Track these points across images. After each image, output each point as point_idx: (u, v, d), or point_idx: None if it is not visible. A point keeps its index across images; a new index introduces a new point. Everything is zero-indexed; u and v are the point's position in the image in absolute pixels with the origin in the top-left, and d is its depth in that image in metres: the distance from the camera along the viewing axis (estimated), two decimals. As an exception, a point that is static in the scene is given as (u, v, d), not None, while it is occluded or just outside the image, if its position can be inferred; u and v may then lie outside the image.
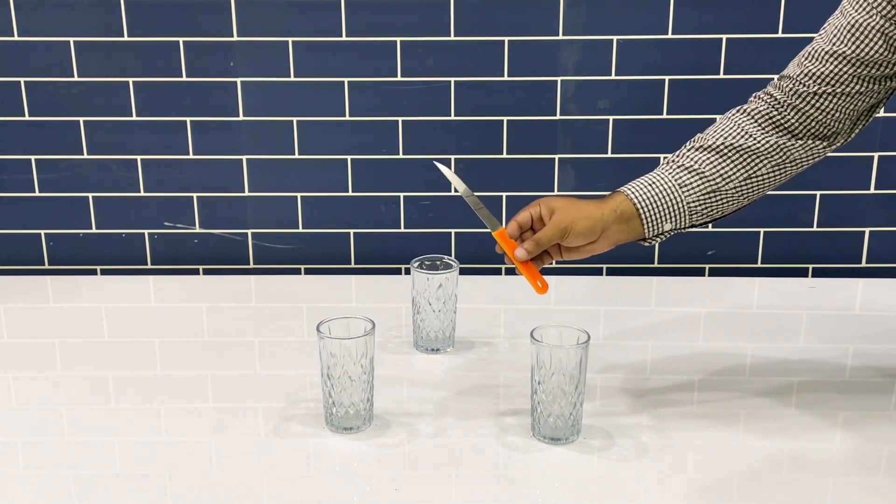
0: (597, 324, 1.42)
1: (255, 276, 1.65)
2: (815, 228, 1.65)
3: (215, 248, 1.67)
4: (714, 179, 1.12)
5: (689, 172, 1.13)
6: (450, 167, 1.62)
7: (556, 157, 1.61)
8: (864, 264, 1.67)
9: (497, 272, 1.68)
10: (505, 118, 1.59)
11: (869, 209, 1.63)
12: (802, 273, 1.67)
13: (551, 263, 1.17)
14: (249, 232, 1.67)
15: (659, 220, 1.13)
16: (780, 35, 1.53)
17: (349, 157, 1.62)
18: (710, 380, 1.25)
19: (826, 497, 1.00)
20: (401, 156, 1.62)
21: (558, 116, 1.59)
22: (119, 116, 1.59)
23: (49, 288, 1.60)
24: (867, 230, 1.65)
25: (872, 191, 1.62)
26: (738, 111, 1.16)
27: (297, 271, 1.69)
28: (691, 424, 1.13)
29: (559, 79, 1.57)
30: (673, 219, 1.13)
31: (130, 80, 1.57)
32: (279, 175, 1.63)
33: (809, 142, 1.12)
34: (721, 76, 1.56)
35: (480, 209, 1.18)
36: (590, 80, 1.57)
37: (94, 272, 1.68)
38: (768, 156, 1.12)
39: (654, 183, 1.13)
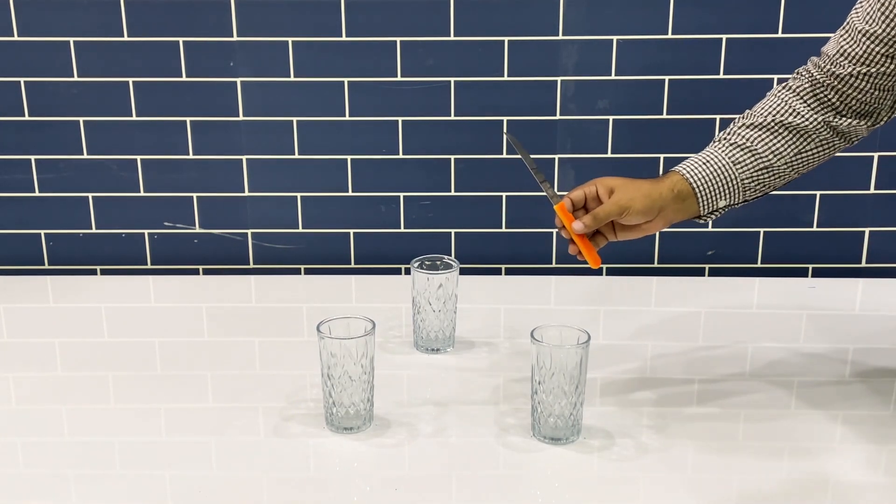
0: (597, 324, 1.42)
1: (255, 276, 1.65)
2: (815, 228, 1.65)
3: (215, 248, 1.67)
4: (766, 156, 1.13)
5: (742, 150, 1.14)
6: (450, 167, 1.62)
7: (556, 157, 1.61)
8: (864, 264, 1.67)
9: (497, 272, 1.68)
10: (505, 118, 1.59)
11: (869, 209, 1.63)
12: (802, 273, 1.67)
13: (604, 244, 1.16)
14: (249, 232, 1.67)
15: (714, 198, 1.14)
16: (780, 35, 1.53)
17: (349, 157, 1.62)
18: (710, 380, 1.25)
19: (826, 497, 1.00)
20: (401, 156, 1.62)
21: (558, 116, 1.59)
22: (119, 116, 1.59)
23: (49, 288, 1.60)
24: (867, 230, 1.65)
25: (872, 191, 1.62)
26: (783, 87, 1.16)
27: (297, 271, 1.69)
28: (691, 424, 1.13)
29: (559, 79, 1.57)
30: (728, 195, 1.14)
31: (130, 80, 1.57)
32: (279, 175, 1.63)
33: (853, 120, 1.13)
34: (721, 76, 1.56)
35: (543, 181, 1.17)
36: (590, 80, 1.57)
37: (94, 272, 1.68)
38: (817, 132, 1.13)
39: (707, 161, 1.14)
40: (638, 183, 1.14)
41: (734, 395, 1.20)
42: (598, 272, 1.68)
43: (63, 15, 1.53)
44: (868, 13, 1.07)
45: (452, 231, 1.66)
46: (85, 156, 1.61)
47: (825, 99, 1.13)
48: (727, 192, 1.14)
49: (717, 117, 1.57)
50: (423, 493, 1.00)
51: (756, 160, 1.14)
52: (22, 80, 1.57)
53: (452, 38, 1.55)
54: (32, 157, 1.62)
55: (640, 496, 1.00)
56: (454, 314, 1.31)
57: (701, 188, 1.13)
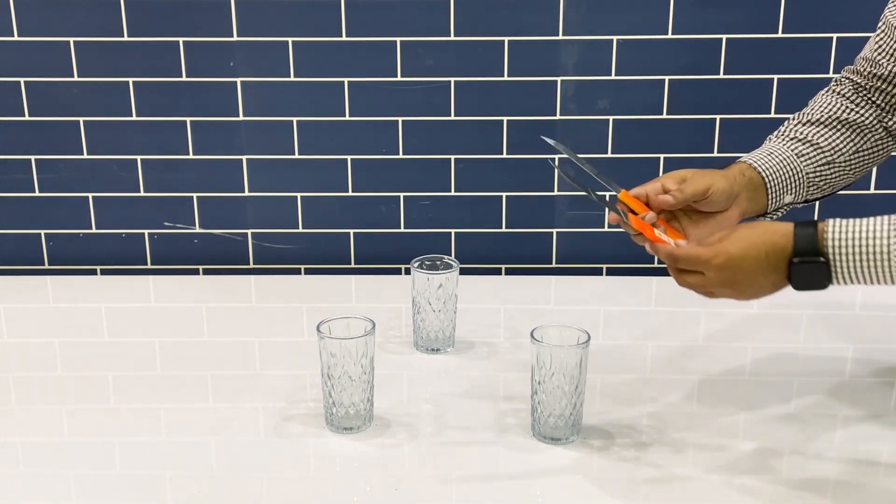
0: (597, 324, 1.42)
1: (255, 276, 1.65)
2: (815, 228, 1.64)
3: (215, 248, 1.67)
4: (828, 151, 1.11)
5: (803, 143, 1.12)
6: (450, 167, 1.62)
7: (557, 157, 1.61)
8: (864, 264, 1.66)
9: (497, 272, 1.68)
10: (505, 118, 1.59)
11: (869, 209, 1.63)
12: (802, 273, 1.67)
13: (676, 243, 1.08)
14: (249, 232, 1.67)
15: (782, 192, 1.10)
16: (780, 35, 1.53)
17: (349, 157, 1.62)
18: (710, 380, 1.25)
19: (826, 497, 1.00)
20: (401, 156, 1.62)
21: (558, 116, 1.59)
22: (119, 116, 1.59)
23: (49, 288, 1.60)
24: (867, 230, 1.65)
25: (872, 191, 1.62)
26: (829, 92, 1.15)
27: (297, 271, 1.69)
28: (691, 424, 1.13)
29: (559, 79, 1.57)
30: (793, 190, 1.11)
31: (130, 80, 1.57)
32: (279, 175, 1.63)
33: None
34: (721, 76, 1.56)
35: (598, 174, 1.12)
36: (590, 80, 1.57)
37: (94, 272, 1.68)
38: (872, 129, 1.12)
39: (772, 153, 1.11)
40: (710, 170, 1.09)
41: (734, 395, 1.20)
42: (598, 272, 1.68)
43: (63, 15, 1.53)
44: None
45: (452, 231, 1.66)
46: (85, 156, 1.61)
47: (871, 101, 1.12)
48: (793, 185, 1.11)
49: (717, 117, 1.57)
50: (423, 493, 1.00)
51: (819, 154, 1.11)
52: (22, 80, 1.57)
53: (452, 38, 1.55)
54: (32, 157, 1.62)
55: (640, 496, 1.00)
56: (454, 314, 1.31)
57: (771, 179, 1.10)
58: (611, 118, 1.59)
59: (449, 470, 1.04)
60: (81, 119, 1.59)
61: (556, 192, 1.63)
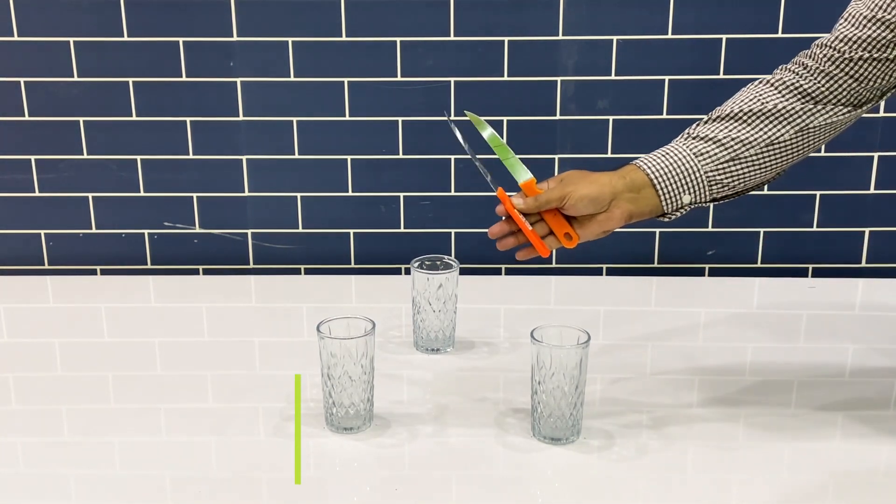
0: (597, 324, 1.42)
1: (255, 276, 1.65)
2: (815, 228, 1.65)
3: (215, 248, 1.67)
4: (732, 146, 1.08)
5: (705, 141, 1.09)
6: (450, 167, 1.62)
7: (556, 157, 1.61)
8: (864, 264, 1.67)
9: (497, 272, 1.68)
10: (505, 118, 1.59)
11: (869, 209, 1.63)
12: (802, 273, 1.67)
13: (567, 245, 1.11)
14: (249, 232, 1.67)
15: (677, 192, 1.09)
16: (780, 35, 1.53)
17: (349, 157, 1.62)
18: (710, 380, 1.25)
19: (826, 497, 1.00)
20: (401, 156, 1.62)
21: (558, 116, 1.59)
22: (119, 116, 1.59)
23: (49, 288, 1.60)
24: (867, 230, 1.65)
25: (872, 191, 1.62)
26: (759, 82, 1.12)
27: (297, 271, 1.69)
28: (691, 424, 1.13)
29: (559, 79, 1.57)
30: (691, 190, 1.09)
31: (130, 80, 1.57)
32: (279, 175, 1.63)
33: (835, 108, 1.08)
34: (721, 76, 1.56)
35: (507, 159, 1.15)
36: (590, 80, 1.57)
37: (94, 272, 1.68)
38: (790, 120, 1.08)
39: (667, 154, 1.10)
40: (591, 174, 1.10)
41: (734, 395, 1.20)
42: (598, 272, 1.68)
43: (63, 15, 1.53)
44: (874, 2, 1.04)
45: (452, 231, 1.66)
46: (85, 156, 1.61)
47: (808, 88, 1.08)
48: (690, 185, 1.09)
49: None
50: (423, 493, 1.00)
51: (721, 151, 1.08)
52: (22, 80, 1.57)
53: (452, 38, 1.55)
54: (32, 157, 1.62)
55: (640, 496, 1.00)
56: (454, 314, 1.31)
57: (659, 179, 1.09)
58: (611, 118, 1.59)
59: (449, 470, 1.04)
60: (81, 119, 1.59)
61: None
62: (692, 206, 1.11)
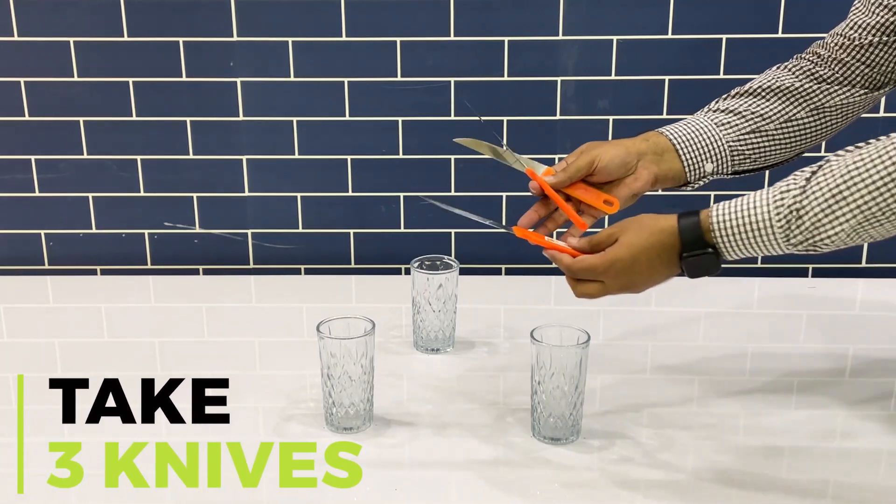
0: (597, 324, 1.42)
1: (255, 276, 1.65)
2: (815, 228, 1.64)
3: (215, 248, 1.67)
4: (753, 119, 1.11)
5: (725, 113, 1.12)
6: (450, 167, 1.62)
7: (556, 157, 1.61)
8: (864, 264, 1.67)
9: (497, 272, 1.68)
10: (505, 118, 1.59)
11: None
12: (802, 273, 1.67)
13: (608, 211, 1.11)
14: (249, 232, 1.67)
15: (699, 159, 1.10)
16: (780, 35, 1.53)
17: (349, 157, 1.62)
18: (710, 380, 1.25)
19: (826, 497, 1.00)
20: (401, 156, 1.62)
21: (558, 116, 1.59)
22: (119, 116, 1.59)
23: (49, 288, 1.60)
24: (867, 230, 1.65)
25: (872, 191, 1.62)
26: (776, 67, 1.15)
27: (297, 271, 1.69)
28: (691, 424, 1.13)
29: (559, 79, 1.57)
30: (713, 158, 1.10)
31: (130, 80, 1.57)
32: (279, 175, 1.63)
33: (851, 89, 1.10)
34: (721, 76, 1.56)
35: (515, 161, 1.15)
36: (590, 80, 1.57)
37: (94, 272, 1.68)
38: (806, 98, 1.11)
39: (689, 123, 1.12)
40: (612, 141, 1.12)
41: (734, 395, 1.20)
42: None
43: (63, 15, 1.53)
44: None
45: (452, 231, 1.66)
46: (85, 156, 1.61)
47: (823, 73, 1.11)
48: (712, 153, 1.10)
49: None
50: (423, 493, 1.00)
51: (742, 122, 1.10)
52: (22, 80, 1.57)
53: (452, 38, 1.55)
54: (32, 157, 1.62)
55: (640, 496, 1.00)
56: (454, 314, 1.31)
57: (683, 146, 1.10)
58: (611, 118, 1.59)
59: (449, 470, 1.04)
60: (81, 119, 1.59)
61: (556, 192, 1.63)
62: (714, 177, 1.12)
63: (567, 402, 1.06)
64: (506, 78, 1.57)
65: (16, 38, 1.54)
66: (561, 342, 1.07)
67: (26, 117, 1.59)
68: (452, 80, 1.57)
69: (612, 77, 1.57)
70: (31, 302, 1.53)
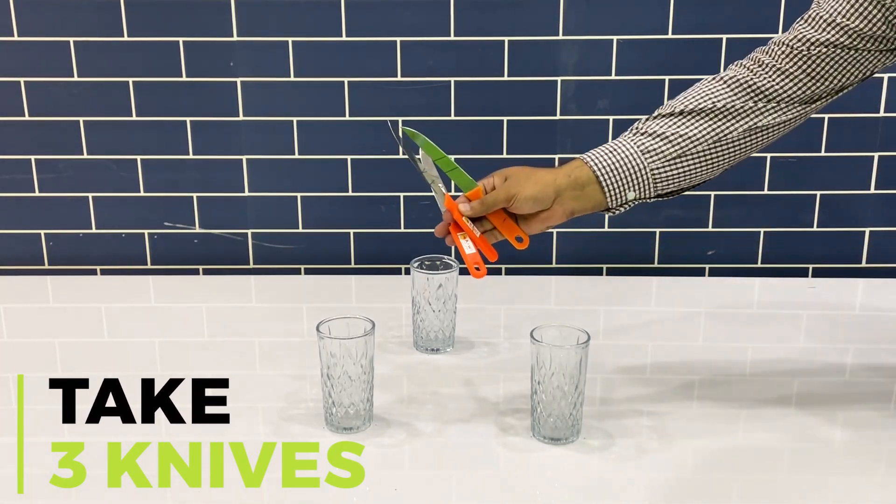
0: (597, 324, 1.42)
1: (255, 276, 1.66)
2: (815, 228, 1.65)
3: (215, 248, 1.67)
4: (679, 143, 1.08)
5: (653, 137, 1.09)
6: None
7: (556, 157, 1.61)
8: (864, 264, 1.67)
9: (497, 272, 1.68)
10: (505, 118, 1.59)
11: (869, 209, 1.63)
12: (802, 273, 1.67)
13: (518, 247, 1.14)
14: (249, 232, 1.67)
15: (621, 188, 1.09)
16: (779, 35, 1.53)
17: (349, 157, 1.62)
18: (710, 380, 1.25)
19: (826, 497, 1.00)
20: (401, 156, 1.62)
21: (558, 116, 1.59)
22: (119, 116, 1.59)
23: (49, 288, 1.60)
24: (867, 230, 1.65)
25: (872, 191, 1.62)
26: (711, 79, 1.12)
27: (297, 271, 1.69)
28: (691, 424, 1.13)
29: (559, 79, 1.57)
30: (637, 186, 1.09)
31: (130, 80, 1.57)
32: (279, 175, 1.63)
33: (787, 106, 1.08)
34: (721, 76, 1.56)
35: (452, 170, 1.17)
36: (590, 80, 1.57)
37: (94, 272, 1.68)
38: (739, 117, 1.08)
39: (614, 150, 1.10)
40: (535, 171, 1.11)
41: (734, 395, 1.20)
42: (598, 272, 1.68)
43: (63, 15, 1.53)
44: (833, 7, 1.05)
45: (452, 231, 1.66)
46: (85, 156, 1.61)
47: (760, 85, 1.08)
48: (636, 182, 1.09)
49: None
50: (423, 493, 1.00)
51: (668, 147, 1.08)
52: (22, 80, 1.57)
53: (452, 38, 1.55)
54: (32, 157, 1.62)
55: (640, 496, 1.00)
56: (454, 314, 1.31)
57: (605, 175, 1.09)
58: (611, 118, 1.59)
59: (449, 470, 1.04)
60: (81, 119, 1.59)
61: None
62: (636, 202, 1.11)
63: (567, 402, 1.06)
64: (506, 78, 1.57)
65: (16, 38, 1.54)
66: (561, 342, 1.07)
67: (26, 117, 1.59)
68: (452, 80, 1.57)
69: (612, 77, 1.57)
70: (31, 302, 1.53)
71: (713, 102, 1.09)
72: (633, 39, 1.55)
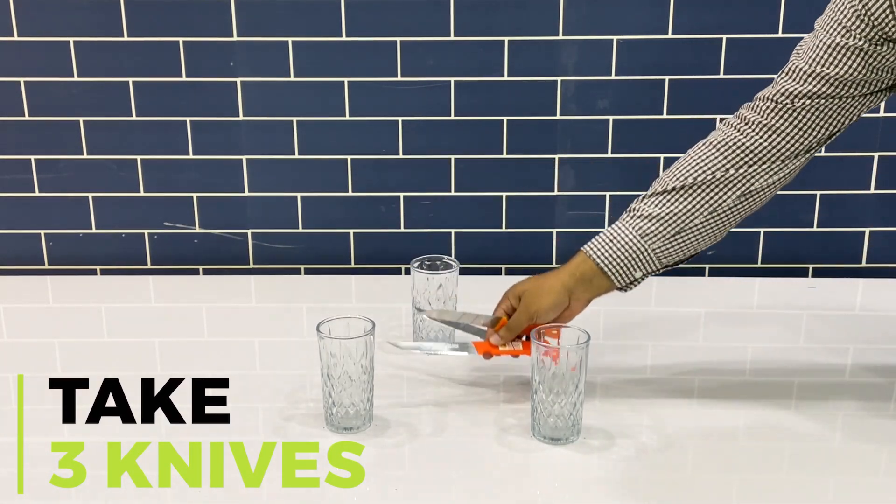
0: (597, 324, 1.42)
1: (255, 276, 1.65)
2: (815, 228, 1.65)
3: (215, 248, 1.67)
4: (675, 222, 1.12)
5: (649, 220, 1.13)
6: (450, 167, 1.62)
7: (556, 157, 1.61)
8: (864, 264, 1.67)
9: (497, 272, 1.68)
10: (505, 118, 1.59)
11: (869, 209, 1.63)
12: (802, 273, 1.67)
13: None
14: (249, 232, 1.67)
15: (627, 272, 1.14)
16: (780, 35, 1.53)
17: (349, 157, 1.62)
18: (710, 380, 1.25)
19: (826, 497, 1.00)
20: (401, 156, 1.62)
21: (558, 116, 1.59)
22: (119, 116, 1.59)
23: (49, 288, 1.60)
24: (867, 230, 1.65)
25: (872, 191, 1.62)
26: (702, 144, 1.15)
27: (297, 271, 1.69)
28: (691, 424, 1.13)
29: (559, 79, 1.57)
30: (642, 266, 1.14)
31: (130, 80, 1.57)
32: (279, 175, 1.63)
33: (780, 163, 1.11)
34: (721, 76, 1.56)
35: (468, 326, 1.23)
36: (590, 80, 1.57)
37: (94, 272, 1.68)
38: (732, 186, 1.11)
39: (614, 238, 1.14)
40: (542, 280, 1.17)
41: (734, 395, 1.20)
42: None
43: (63, 15, 1.53)
44: (812, 57, 1.07)
45: (452, 231, 1.66)
46: (85, 156, 1.61)
47: (749, 144, 1.10)
48: (640, 264, 1.14)
49: (717, 117, 1.57)
50: (423, 493, 1.00)
51: (666, 227, 1.12)
52: (22, 80, 1.57)
53: (452, 38, 1.55)
54: (32, 157, 1.62)
55: (640, 496, 1.00)
56: (454, 314, 1.31)
57: (609, 266, 1.14)
58: (611, 118, 1.59)
59: (449, 470, 1.04)
60: (81, 119, 1.59)
61: (556, 192, 1.63)
62: (646, 277, 1.16)
63: (567, 402, 1.06)
64: (506, 78, 1.57)
65: (16, 38, 1.54)
66: (560, 342, 1.07)
67: (26, 117, 1.59)
68: (452, 80, 1.57)
69: (612, 77, 1.57)
70: (31, 302, 1.53)
71: (704, 174, 1.12)
72: (633, 39, 1.55)
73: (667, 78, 1.56)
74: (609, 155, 1.61)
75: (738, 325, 1.42)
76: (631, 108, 1.58)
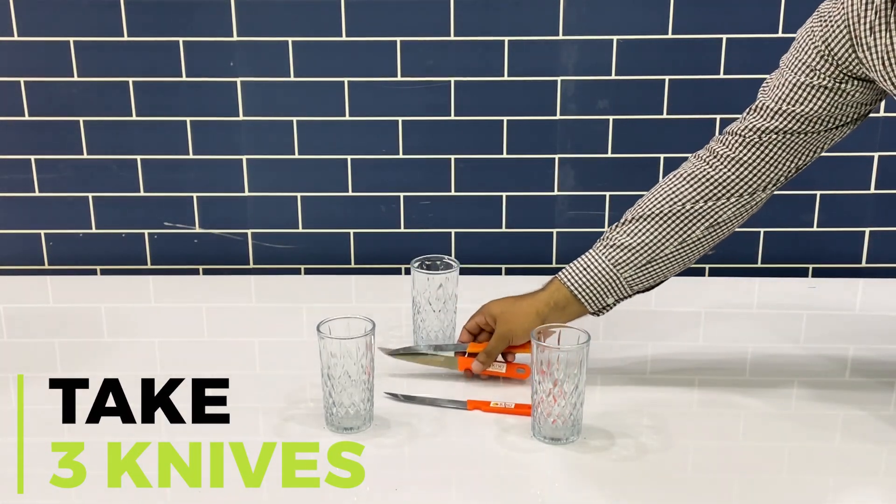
0: (597, 324, 1.41)
1: (255, 276, 1.65)
2: (815, 228, 1.65)
3: (215, 248, 1.67)
4: (646, 251, 1.17)
5: (622, 249, 1.17)
6: (450, 167, 1.62)
7: (556, 157, 1.61)
8: (864, 264, 1.67)
9: (497, 272, 1.68)
10: (505, 118, 1.59)
11: (869, 209, 1.63)
12: (802, 273, 1.67)
13: (523, 378, 1.22)
14: (249, 232, 1.67)
15: (601, 298, 1.19)
16: (780, 35, 1.53)
17: (349, 157, 1.62)
18: (711, 380, 1.25)
19: (826, 497, 1.00)
20: (401, 156, 1.62)
21: (558, 116, 1.59)
22: (119, 116, 1.59)
23: (49, 288, 1.60)
24: (867, 230, 1.65)
25: (872, 191, 1.62)
26: (673, 175, 1.18)
27: (297, 271, 1.69)
28: (691, 424, 1.13)
29: (559, 79, 1.57)
30: (614, 293, 1.19)
31: (130, 80, 1.57)
32: (279, 175, 1.63)
33: (748, 196, 1.15)
34: (721, 76, 1.56)
35: (432, 359, 1.25)
36: (590, 80, 1.57)
37: (94, 272, 1.68)
38: (700, 218, 1.16)
39: (588, 266, 1.19)
40: (517, 305, 1.20)
41: (734, 394, 1.20)
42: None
43: (63, 15, 1.53)
44: (778, 95, 1.10)
45: (452, 231, 1.66)
46: (85, 156, 1.61)
47: (718, 178, 1.14)
48: (612, 290, 1.19)
49: (717, 117, 1.57)
50: (423, 493, 1.00)
51: (637, 256, 1.17)
52: (22, 80, 1.57)
53: (452, 38, 1.55)
54: (32, 157, 1.62)
55: (640, 496, 1.00)
56: (454, 314, 1.31)
57: (582, 293, 1.18)
58: (611, 118, 1.59)
59: (449, 470, 1.04)
60: (81, 119, 1.59)
61: (556, 192, 1.63)
62: (618, 302, 1.21)
63: (567, 402, 1.06)
64: (506, 78, 1.57)
65: (16, 38, 1.54)
66: (561, 342, 1.07)
67: (26, 117, 1.59)
68: (452, 80, 1.57)
69: (612, 77, 1.57)
70: (31, 302, 1.53)
71: (674, 205, 1.16)
72: (633, 39, 1.55)
73: (667, 78, 1.56)
74: (609, 155, 1.61)
75: (738, 325, 1.42)
76: (631, 108, 1.58)
